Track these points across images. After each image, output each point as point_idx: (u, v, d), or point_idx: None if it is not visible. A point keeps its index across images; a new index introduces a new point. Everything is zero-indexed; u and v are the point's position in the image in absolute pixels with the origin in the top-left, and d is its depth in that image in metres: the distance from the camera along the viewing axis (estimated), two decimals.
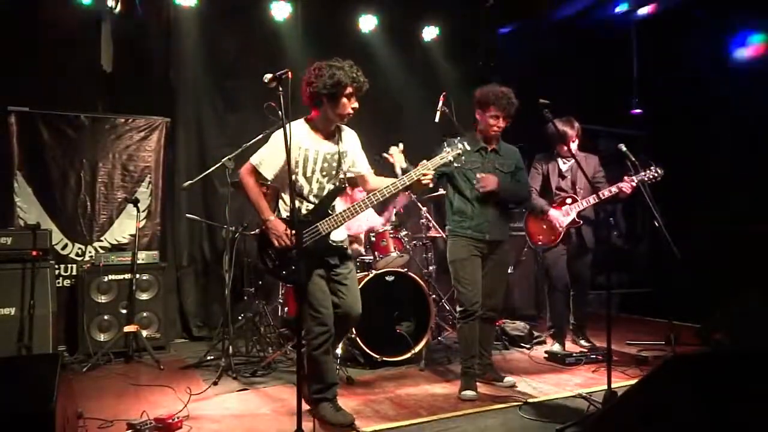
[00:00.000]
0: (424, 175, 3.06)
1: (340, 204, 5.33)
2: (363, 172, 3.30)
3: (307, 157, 3.10)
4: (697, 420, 1.89)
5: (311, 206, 3.12)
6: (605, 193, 4.35)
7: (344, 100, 3.07)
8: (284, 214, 3.09)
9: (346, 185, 3.24)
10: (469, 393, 3.57)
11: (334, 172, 3.16)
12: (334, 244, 3.14)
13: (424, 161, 3.13)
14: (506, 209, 3.83)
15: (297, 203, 3.06)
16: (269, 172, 3.09)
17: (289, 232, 2.98)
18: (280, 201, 3.16)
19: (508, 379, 3.84)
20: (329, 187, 3.17)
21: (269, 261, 3.07)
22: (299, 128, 3.12)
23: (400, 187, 3.10)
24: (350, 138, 3.29)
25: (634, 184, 4.29)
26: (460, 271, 3.67)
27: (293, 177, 2.98)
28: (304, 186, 3.11)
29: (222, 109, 5.81)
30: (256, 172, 3.10)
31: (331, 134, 3.19)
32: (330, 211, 3.11)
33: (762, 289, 4.37)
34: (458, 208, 3.73)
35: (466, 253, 3.67)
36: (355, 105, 3.12)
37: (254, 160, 3.12)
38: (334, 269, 3.16)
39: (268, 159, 3.10)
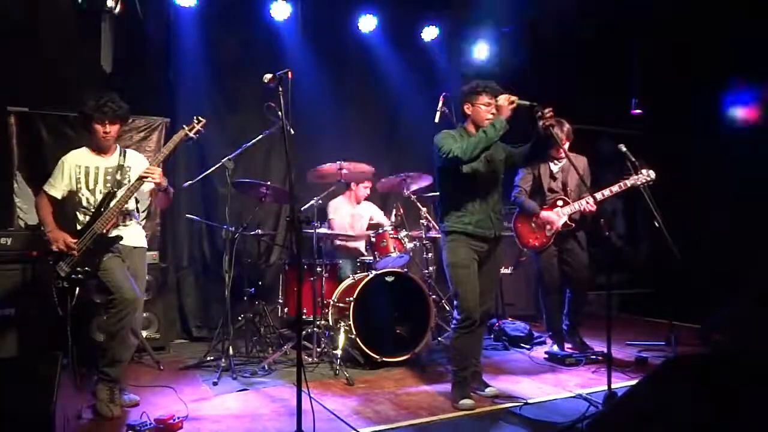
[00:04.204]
0: (145, 172, 3.45)
1: (343, 200, 5.45)
2: (150, 187, 3.65)
3: (87, 172, 3.52)
4: (698, 420, 1.89)
5: (90, 214, 3.49)
6: (582, 202, 4.40)
7: (95, 127, 3.47)
8: (78, 227, 3.49)
9: (116, 190, 3.52)
10: (467, 402, 3.41)
11: (117, 182, 3.54)
12: (115, 238, 3.48)
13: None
14: (503, 203, 3.70)
15: (81, 215, 3.51)
16: (58, 193, 3.52)
17: (67, 238, 3.37)
18: (75, 218, 3.55)
19: (490, 389, 3.64)
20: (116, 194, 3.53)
21: (60, 271, 3.38)
22: (79, 151, 3.59)
23: (133, 189, 3.46)
24: (135, 158, 3.70)
25: (594, 202, 4.25)
26: (461, 277, 3.47)
27: (80, 193, 3.49)
28: (89, 198, 3.50)
29: (222, 109, 5.81)
30: (47, 195, 3.51)
31: (112, 153, 3.62)
32: (103, 212, 3.46)
33: (760, 289, 4.37)
34: (458, 203, 3.52)
35: (466, 257, 3.48)
36: (108, 129, 3.49)
37: (45, 186, 3.53)
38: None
39: (54, 182, 3.52)
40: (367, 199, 5.67)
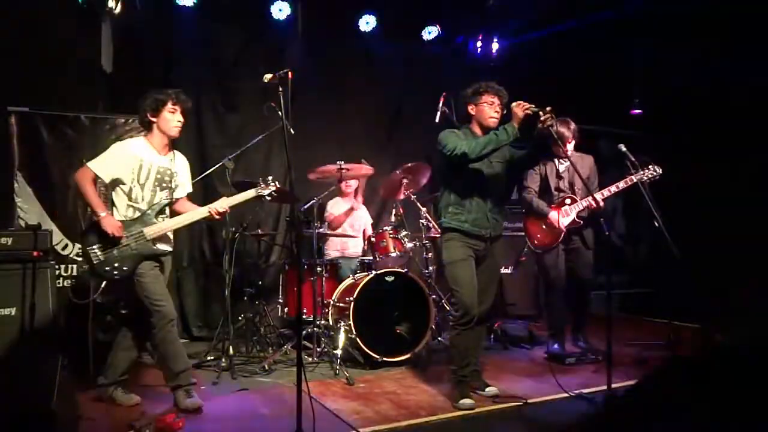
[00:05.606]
0: (216, 211, 3.52)
1: (340, 200, 5.44)
2: (183, 196, 3.70)
3: (141, 166, 3.46)
4: (698, 420, 1.89)
5: (139, 212, 3.45)
6: (590, 199, 4.40)
7: (167, 114, 3.45)
8: (117, 216, 3.43)
9: (174, 200, 3.59)
10: (467, 402, 3.42)
11: (165, 184, 3.54)
12: (157, 250, 3.47)
13: (224, 198, 3.61)
14: (503, 204, 3.74)
15: (131, 210, 3.45)
16: (106, 176, 3.41)
17: (121, 228, 3.33)
18: (114, 206, 3.49)
19: (490, 389, 3.66)
20: (161, 195, 3.52)
21: (94, 257, 3.33)
22: (137, 142, 3.54)
23: (196, 218, 3.56)
24: (182, 163, 3.70)
25: (603, 197, 4.28)
26: (458, 274, 3.52)
27: (130, 184, 3.42)
28: (138, 192, 3.46)
29: (222, 109, 5.81)
30: (92, 173, 3.39)
31: (166, 152, 3.59)
32: (156, 220, 3.46)
33: (761, 288, 4.37)
34: (457, 200, 3.57)
35: (462, 255, 3.53)
36: (180, 119, 3.50)
37: (92, 164, 3.41)
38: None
39: (105, 163, 3.41)
40: (355, 195, 5.65)
